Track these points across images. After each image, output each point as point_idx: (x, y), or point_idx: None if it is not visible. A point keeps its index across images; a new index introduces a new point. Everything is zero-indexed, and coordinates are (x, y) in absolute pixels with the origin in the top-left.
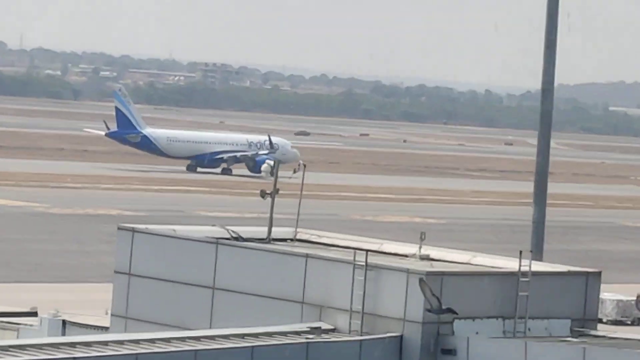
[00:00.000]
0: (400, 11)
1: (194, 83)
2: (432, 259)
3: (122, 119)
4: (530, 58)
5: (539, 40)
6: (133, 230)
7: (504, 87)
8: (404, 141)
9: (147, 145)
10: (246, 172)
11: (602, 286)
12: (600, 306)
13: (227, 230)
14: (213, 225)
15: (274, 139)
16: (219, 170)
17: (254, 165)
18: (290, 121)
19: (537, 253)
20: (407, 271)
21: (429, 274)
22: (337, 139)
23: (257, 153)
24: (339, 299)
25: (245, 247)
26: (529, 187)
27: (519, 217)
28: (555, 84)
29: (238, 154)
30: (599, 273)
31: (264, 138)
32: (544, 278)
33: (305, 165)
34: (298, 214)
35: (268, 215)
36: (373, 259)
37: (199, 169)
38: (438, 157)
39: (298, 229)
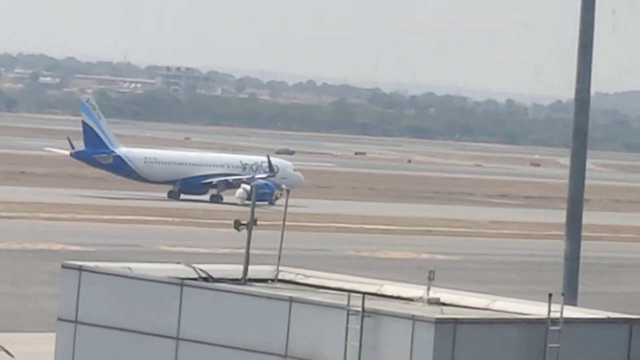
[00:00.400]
0: (404, 5)
1: (153, 91)
2: (443, 304)
3: (91, 136)
4: (561, 61)
5: (573, 40)
6: (80, 269)
7: (530, 96)
8: (409, 161)
9: (121, 167)
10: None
11: None
12: None
13: (195, 268)
14: (177, 262)
15: (273, 161)
16: (206, 197)
17: (250, 191)
18: (270, 137)
19: (570, 296)
20: (413, 318)
21: (438, 321)
22: (328, 159)
23: (253, 177)
24: (329, 351)
25: (217, 289)
26: (560, 216)
27: (548, 252)
28: (592, 93)
29: (230, 178)
30: None
31: (260, 159)
32: (578, 326)
33: (288, 191)
34: (280, 250)
35: (244, 250)
36: (371, 304)
37: (182, 196)
38: (450, 181)
39: (280, 268)
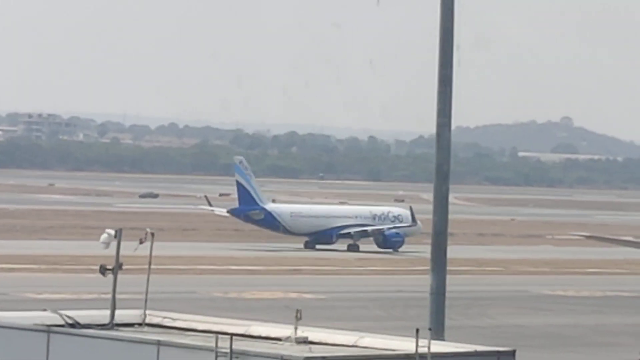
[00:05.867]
0: (257, 40)
1: (15, 138)
2: (312, 342)
3: (244, 194)
4: (421, 97)
5: (432, 76)
6: None
7: (391, 132)
8: (273, 201)
9: (271, 222)
10: (373, 247)
11: None
12: None
13: (61, 315)
14: (43, 309)
15: (397, 210)
16: (342, 247)
17: (383, 239)
18: (133, 181)
19: (438, 331)
20: (281, 358)
21: None
22: (192, 201)
23: (392, 227)
24: None
25: (84, 335)
26: (425, 251)
27: (414, 288)
28: (453, 127)
29: (369, 229)
30: (513, 352)
31: (387, 209)
32: None
33: (153, 234)
34: (147, 293)
35: (110, 295)
36: (239, 345)
37: (317, 246)
38: None
39: (147, 311)
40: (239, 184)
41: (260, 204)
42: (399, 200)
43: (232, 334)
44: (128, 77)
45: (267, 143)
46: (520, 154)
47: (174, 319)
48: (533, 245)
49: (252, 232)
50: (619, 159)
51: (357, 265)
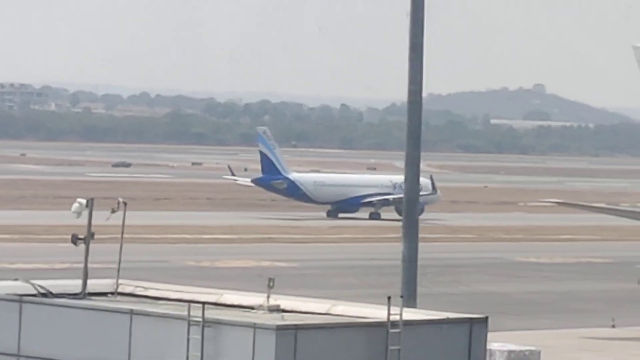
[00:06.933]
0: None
1: None
2: (284, 310)
3: (268, 164)
4: (393, 64)
5: (404, 44)
6: None
7: (364, 101)
8: (245, 170)
9: (294, 191)
10: (394, 215)
11: (490, 335)
12: (489, 358)
13: (33, 285)
14: (15, 279)
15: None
16: (365, 214)
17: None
18: (106, 150)
19: (410, 298)
20: (254, 326)
21: (279, 328)
22: (165, 170)
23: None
24: None
25: (56, 305)
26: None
27: (387, 255)
28: (425, 95)
29: (390, 197)
30: (486, 319)
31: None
32: (418, 328)
33: (126, 203)
34: (119, 263)
35: (82, 265)
36: (212, 313)
37: (340, 215)
38: None
39: (120, 281)
40: (262, 154)
41: (284, 174)
42: (371, 168)
43: (204, 303)
44: (100, 47)
45: (239, 112)
46: (493, 121)
47: (146, 288)
48: (506, 212)
49: (225, 200)
50: (591, 125)
51: (331, 234)
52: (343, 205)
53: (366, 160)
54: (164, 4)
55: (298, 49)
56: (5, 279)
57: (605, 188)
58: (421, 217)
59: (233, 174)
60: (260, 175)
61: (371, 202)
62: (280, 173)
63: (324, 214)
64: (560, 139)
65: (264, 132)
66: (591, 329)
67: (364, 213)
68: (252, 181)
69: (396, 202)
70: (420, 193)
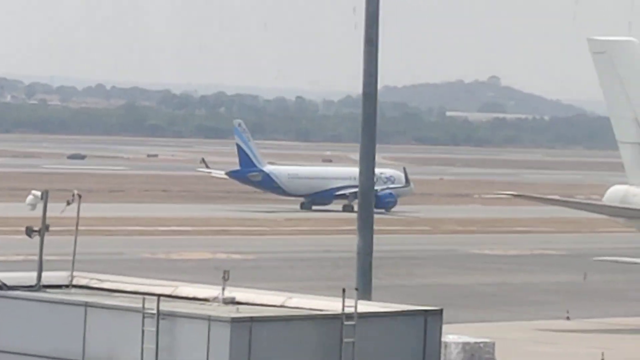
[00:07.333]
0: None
1: None
2: (239, 303)
3: (244, 157)
4: (349, 57)
5: (359, 37)
6: None
7: (320, 93)
8: (202, 161)
9: (269, 183)
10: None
11: (445, 327)
12: (444, 350)
13: None
14: None
15: (389, 172)
16: (338, 207)
17: (377, 200)
18: (61, 142)
19: (365, 291)
20: (209, 318)
21: (234, 320)
22: (120, 162)
23: (385, 187)
24: (126, 354)
25: (10, 297)
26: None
27: (342, 248)
28: (380, 87)
29: None
30: (441, 311)
31: (378, 171)
32: (373, 320)
33: (80, 196)
34: (74, 255)
35: (37, 257)
36: (166, 306)
37: (313, 207)
38: None
39: (74, 273)
40: (238, 147)
41: (259, 166)
42: (327, 160)
43: (159, 295)
44: (55, 38)
45: (194, 104)
46: (448, 113)
47: (101, 281)
48: (461, 204)
49: (181, 192)
50: (546, 118)
51: (286, 226)
52: (316, 197)
53: (322, 152)
54: None
55: (251, 40)
56: None
57: (560, 180)
58: (394, 209)
59: (207, 167)
60: (229, 168)
61: (344, 194)
62: (255, 165)
63: (298, 207)
64: (516, 131)
65: (239, 125)
66: (546, 321)
67: (337, 205)
68: (226, 174)
69: None
70: (393, 186)
